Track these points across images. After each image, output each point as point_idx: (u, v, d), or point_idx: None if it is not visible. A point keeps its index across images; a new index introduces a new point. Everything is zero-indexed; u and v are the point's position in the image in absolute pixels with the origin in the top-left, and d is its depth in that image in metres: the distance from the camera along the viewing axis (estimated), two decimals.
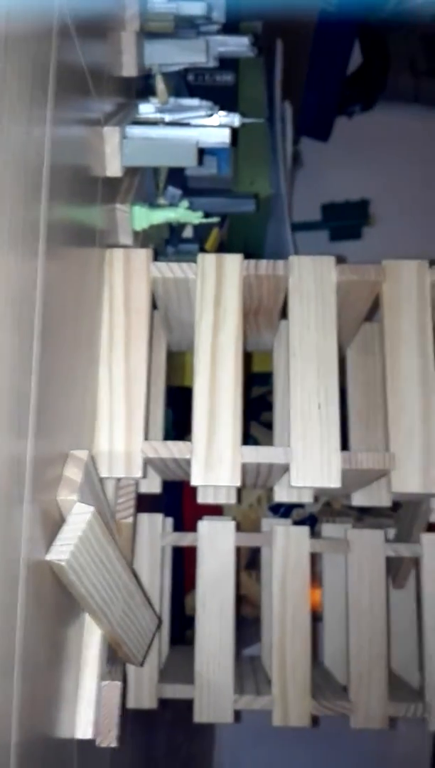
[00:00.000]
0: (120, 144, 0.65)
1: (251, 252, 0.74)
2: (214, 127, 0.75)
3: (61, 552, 0.47)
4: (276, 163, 1.38)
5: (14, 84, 0.37)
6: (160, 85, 0.78)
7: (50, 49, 0.45)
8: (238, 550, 0.87)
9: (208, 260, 0.72)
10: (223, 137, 0.74)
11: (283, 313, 0.81)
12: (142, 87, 0.83)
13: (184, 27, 0.86)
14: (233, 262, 0.72)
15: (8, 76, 0.36)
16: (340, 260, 0.74)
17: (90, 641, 0.59)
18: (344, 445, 0.68)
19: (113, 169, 0.66)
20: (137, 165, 0.71)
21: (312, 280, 0.72)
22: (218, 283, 0.71)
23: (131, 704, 0.81)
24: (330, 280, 0.72)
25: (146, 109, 0.77)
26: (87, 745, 0.58)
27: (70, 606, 0.54)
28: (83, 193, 0.58)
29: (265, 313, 0.83)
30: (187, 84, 1.20)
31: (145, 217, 0.73)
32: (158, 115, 0.76)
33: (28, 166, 0.41)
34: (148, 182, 0.90)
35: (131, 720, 0.83)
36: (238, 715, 0.82)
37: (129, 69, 0.72)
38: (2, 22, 0.35)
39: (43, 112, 0.44)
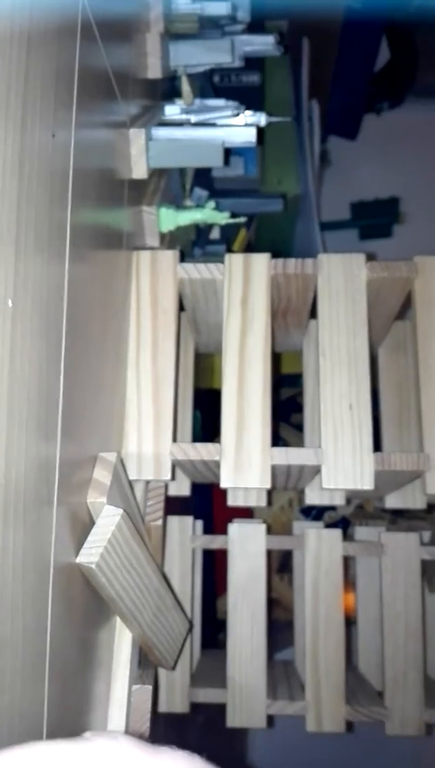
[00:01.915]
0: (145, 146, 0.65)
1: (279, 252, 0.73)
2: (240, 127, 0.74)
3: (90, 554, 0.47)
4: (304, 163, 1.37)
5: (37, 84, 0.37)
6: (185, 86, 0.78)
7: (74, 50, 0.45)
8: (270, 553, 0.86)
9: (235, 260, 0.71)
10: (249, 136, 0.73)
11: (313, 313, 0.80)
12: (168, 89, 0.83)
13: (209, 27, 0.86)
14: (261, 261, 0.71)
15: (31, 76, 0.36)
16: (370, 258, 0.72)
17: (121, 645, 0.59)
18: (377, 446, 0.66)
19: (139, 171, 0.66)
20: (163, 166, 0.71)
21: (342, 278, 0.71)
22: (245, 283, 0.70)
23: (163, 708, 0.80)
24: (360, 277, 0.71)
25: (172, 110, 0.77)
26: None
27: (100, 609, 0.54)
28: (109, 195, 0.58)
29: (293, 313, 0.82)
30: (213, 85, 1.19)
31: (171, 219, 0.73)
32: (184, 116, 0.76)
33: (53, 169, 0.41)
34: (175, 184, 0.90)
35: (163, 724, 0.82)
36: (271, 720, 0.81)
37: (154, 71, 0.72)
38: (25, 21, 0.35)
39: (68, 114, 0.44)
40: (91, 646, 0.52)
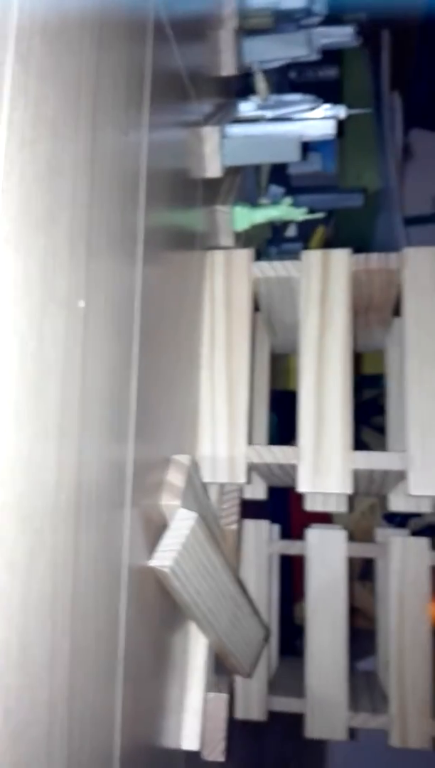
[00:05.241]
0: (220, 144, 0.64)
1: (360, 250, 0.70)
2: (318, 120, 0.72)
3: (164, 558, 0.46)
4: (385, 156, 1.32)
5: (109, 83, 0.37)
6: (260, 82, 0.77)
7: (146, 49, 0.45)
8: (350, 560, 0.83)
9: (313, 256, 0.69)
10: (328, 129, 0.71)
11: (396, 310, 0.77)
12: (242, 85, 0.82)
13: (284, 21, 0.84)
14: (340, 257, 0.68)
15: (102, 75, 0.36)
16: None
17: (195, 651, 0.58)
18: None
19: (213, 169, 0.65)
20: (238, 164, 0.69)
21: (429, 272, 0.67)
22: (324, 279, 0.68)
23: (240, 715, 0.79)
24: None
25: (247, 107, 0.75)
26: (194, 755, 0.57)
27: (174, 614, 0.53)
28: (182, 195, 0.57)
29: (376, 310, 0.78)
30: (290, 81, 1.17)
31: (246, 218, 0.72)
32: (259, 113, 0.75)
33: (125, 169, 0.41)
34: (250, 182, 0.88)
35: (240, 731, 0.81)
36: (352, 732, 0.78)
37: (228, 68, 0.71)
38: (95, 20, 0.35)
39: (140, 113, 0.44)
40: (166, 650, 0.51)
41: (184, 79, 0.57)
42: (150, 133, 0.46)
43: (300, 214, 0.75)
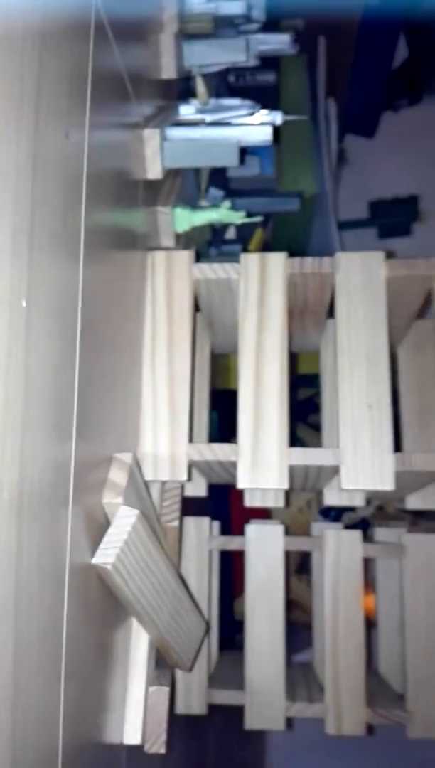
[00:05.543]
0: (160, 146, 0.65)
1: (296, 252, 0.72)
2: (255, 126, 0.74)
3: (106, 555, 0.47)
4: (321, 161, 1.36)
5: (51, 86, 0.37)
6: (200, 86, 0.78)
7: (87, 51, 0.45)
8: (288, 555, 0.85)
9: (251, 259, 0.71)
10: (265, 135, 0.73)
11: (331, 312, 0.79)
12: (183, 89, 0.83)
13: (224, 27, 0.86)
14: (277, 260, 0.70)
15: (44, 78, 0.36)
16: (390, 255, 0.72)
17: (137, 646, 0.58)
18: (397, 446, 0.66)
19: (154, 171, 0.65)
20: (178, 166, 0.70)
21: (360, 276, 0.70)
22: (262, 282, 0.70)
23: (180, 710, 0.80)
24: (379, 276, 0.70)
25: (187, 110, 0.76)
26: (136, 750, 0.57)
27: (116, 610, 0.54)
28: (124, 196, 0.58)
29: (311, 312, 0.81)
30: (229, 85, 1.19)
31: (186, 219, 0.73)
32: (199, 116, 0.76)
33: (67, 170, 0.41)
34: (190, 184, 0.90)
35: (181, 725, 0.82)
36: (289, 722, 0.81)
37: (168, 71, 0.72)
38: (37, 22, 0.35)
39: (82, 115, 0.44)
40: (108, 647, 0.52)
41: (125, 81, 0.57)
42: (91, 135, 0.46)
43: (238, 218, 0.76)
